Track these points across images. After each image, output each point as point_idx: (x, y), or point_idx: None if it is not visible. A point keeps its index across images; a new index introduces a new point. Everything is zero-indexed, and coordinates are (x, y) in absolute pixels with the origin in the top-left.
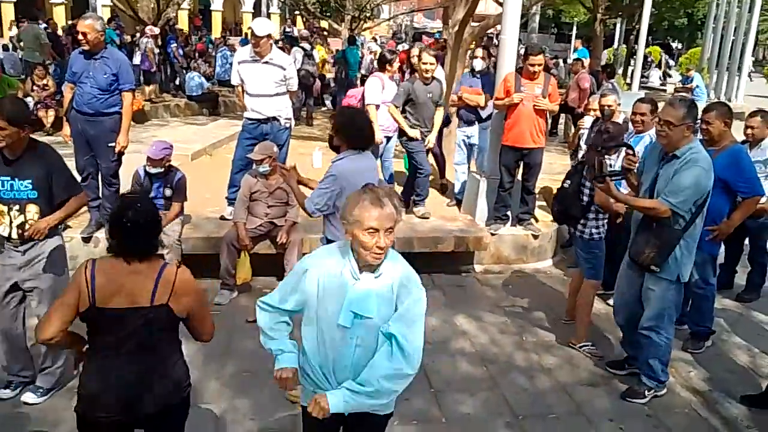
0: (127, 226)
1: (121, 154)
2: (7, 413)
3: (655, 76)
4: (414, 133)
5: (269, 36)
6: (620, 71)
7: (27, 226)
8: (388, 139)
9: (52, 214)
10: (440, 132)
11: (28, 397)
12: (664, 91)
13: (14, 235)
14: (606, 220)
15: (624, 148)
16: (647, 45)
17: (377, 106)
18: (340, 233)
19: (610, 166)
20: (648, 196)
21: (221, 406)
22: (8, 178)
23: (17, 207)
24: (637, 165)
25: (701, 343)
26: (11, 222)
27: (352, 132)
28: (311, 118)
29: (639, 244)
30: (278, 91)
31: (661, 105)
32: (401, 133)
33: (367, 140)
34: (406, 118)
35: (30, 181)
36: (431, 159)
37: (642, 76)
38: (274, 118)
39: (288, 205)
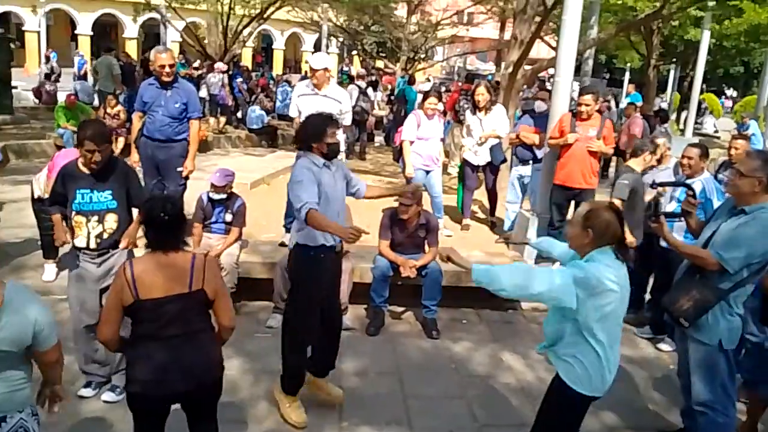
0: (165, 219)
1: (187, 177)
2: (89, 410)
3: (709, 123)
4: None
5: (326, 69)
6: (673, 117)
7: (105, 236)
8: (428, 172)
9: (133, 225)
10: (494, 169)
11: (108, 396)
12: (718, 138)
13: (92, 245)
14: None
15: (685, 189)
16: (701, 92)
17: (411, 142)
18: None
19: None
20: (703, 245)
21: (269, 425)
22: (87, 191)
23: (96, 218)
24: (696, 208)
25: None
26: (89, 233)
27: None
28: (364, 152)
29: (676, 292)
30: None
31: (712, 152)
32: None
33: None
34: None
35: (110, 192)
36: (484, 195)
37: (695, 123)
38: None
39: None
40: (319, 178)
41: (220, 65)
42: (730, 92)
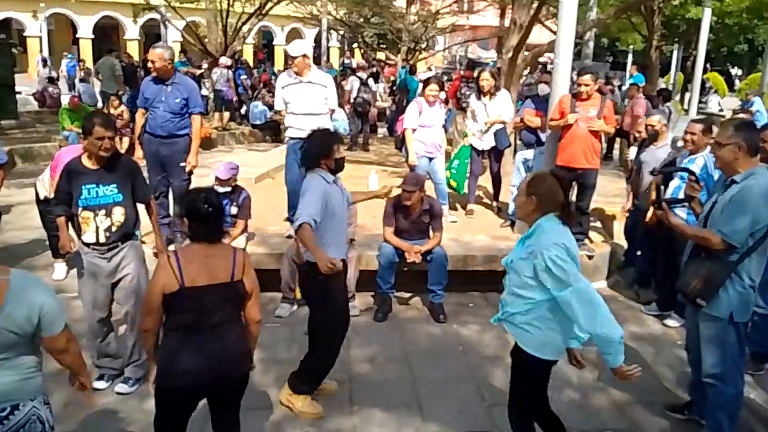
0: (207, 210)
1: (190, 173)
2: (103, 402)
3: (713, 102)
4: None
5: (305, 56)
6: (678, 98)
7: (114, 229)
8: (431, 159)
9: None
10: (499, 154)
11: (121, 387)
12: (723, 117)
13: (102, 239)
14: None
15: (686, 174)
16: (705, 71)
17: (414, 130)
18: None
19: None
20: (703, 223)
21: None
22: (93, 186)
23: (103, 212)
24: (699, 192)
25: (762, 365)
26: (97, 227)
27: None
28: (367, 144)
29: (687, 274)
30: (322, 110)
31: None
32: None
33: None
34: None
35: (115, 185)
36: (488, 181)
37: (700, 102)
38: None
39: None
40: (329, 194)
41: (224, 60)
42: (735, 71)
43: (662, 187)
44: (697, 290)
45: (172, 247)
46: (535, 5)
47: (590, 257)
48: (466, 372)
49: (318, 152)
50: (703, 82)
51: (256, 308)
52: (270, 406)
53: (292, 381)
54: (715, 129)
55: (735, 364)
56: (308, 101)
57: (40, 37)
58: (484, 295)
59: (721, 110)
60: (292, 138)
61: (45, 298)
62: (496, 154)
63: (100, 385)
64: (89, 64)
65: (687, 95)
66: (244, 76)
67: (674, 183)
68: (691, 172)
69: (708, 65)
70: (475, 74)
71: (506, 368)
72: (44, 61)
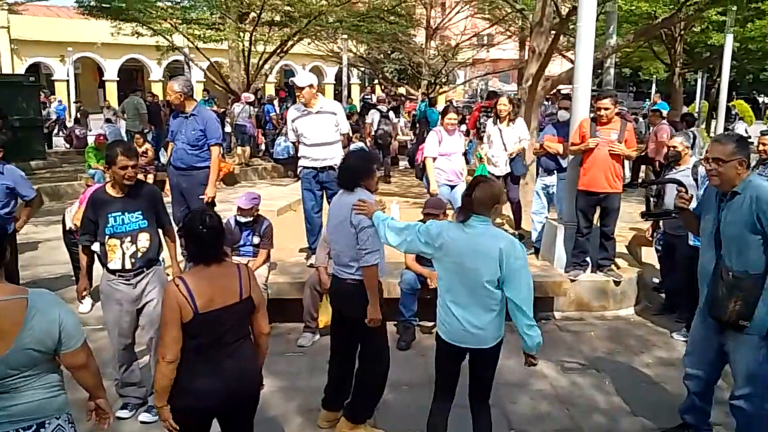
0: (203, 232)
1: (212, 204)
2: (127, 431)
3: (740, 129)
4: (433, 189)
5: (311, 86)
6: (703, 125)
7: (139, 255)
8: (452, 187)
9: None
10: (515, 180)
11: (145, 416)
12: (751, 143)
13: (128, 266)
14: None
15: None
16: (731, 99)
17: (434, 159)
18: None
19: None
20: (714, 242)
21: None
22: (119, 214)
23: (129, 238)
24: (690, 203)
25: None
26: (124, 254)
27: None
28: (389, 175)
29: (719, 299)
30: (333, 138)
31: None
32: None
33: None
34: None
35: (139, 212)
36: (508, 208)
37: (726, 129)
38: (331, 168)
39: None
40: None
41: (246, 96)
42: (762, 99)
43: (653, 199)
44: (737, 311)
45: None
46: (553, 33)
47: (617, 283)
48: (492, 398)
49: (357, 173)
50: (729, 110)
51: (264, 320)
52: None
53: (349, 412)
54: None
55: (766, 383)
56: (319, 131)
57: (68, 81)
58: (508, 322)
59: (748, 137)
60: (305, 168)
61: (63, 313)
62: (512, 179)
63: (124, 414)
64: (114, 105)
65: (713, 123)
66: (273, 113)
67: (671, 195)
68: (681, 183)
69: (734, 93)
70: (495, 100)
71: (531, 394)
72: (60, 102)
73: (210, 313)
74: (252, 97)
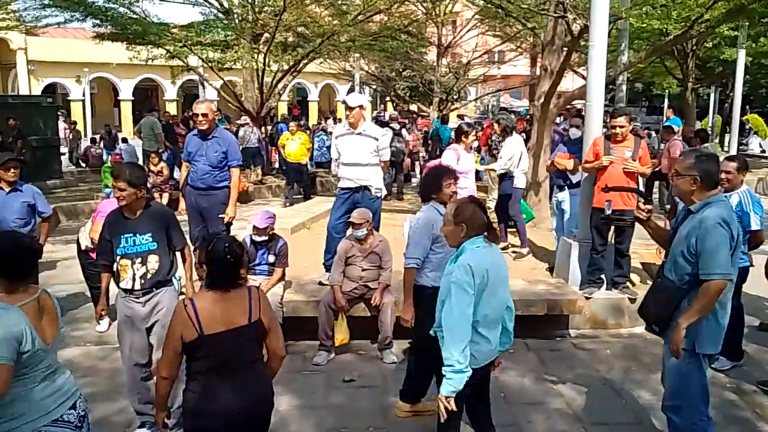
0: (229, 261)
1: (229, 224)
2: None
3: (755, 143)
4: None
5: (361, 107)
6: (717, 140)
7: (149, 276)
8: None
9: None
10: (507, 198)
11: None
12: (766, 158)
13: (137, 286)
14: None
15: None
16: (744, 113)
17: None
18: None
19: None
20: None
21: None
22: (131, 235)
23: (139, 260)
24: (650, 214)
25: None
26: (134, 274)
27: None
28: (402, 192)
29: (645, 300)
30: (371, 161)
31: (760, 171)
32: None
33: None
34: None
35: (150, 234)
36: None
37: (740, 144)
38: (366, 188)
39: (381, 268)
40: (436, 222)
41: (242, 120)
42: None
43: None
44: (653, 314)
45: None
46: (565, 50)
47: (632, 300)
48: (509, 417)
49: (428, 186)
50: (743, 124)
51: (280, 343)
52: None
53: (405, 395)
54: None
55: (693, 398)
56: (357, 152)
57: (83, 101)
58: (524, 341)
59: (763, 151)
60: (341, 189)
61: None
62: (505, 197)
63: None
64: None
65: (727, 137)
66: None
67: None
68: (641, 193)
69: (747, 107)
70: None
71: (548, 413)
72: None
73: (215, 335)
74: (247, 120)
